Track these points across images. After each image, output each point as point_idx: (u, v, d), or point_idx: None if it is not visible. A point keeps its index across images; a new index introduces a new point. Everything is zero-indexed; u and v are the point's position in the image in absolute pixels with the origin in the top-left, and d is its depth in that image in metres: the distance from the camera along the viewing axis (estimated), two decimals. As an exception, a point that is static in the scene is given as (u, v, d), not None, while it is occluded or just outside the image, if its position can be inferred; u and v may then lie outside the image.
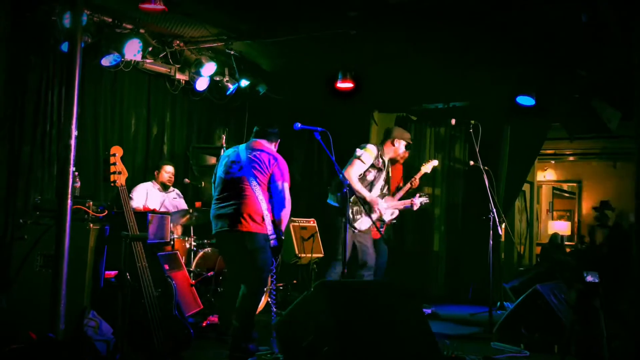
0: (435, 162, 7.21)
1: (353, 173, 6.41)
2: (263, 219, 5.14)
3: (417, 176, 7.12)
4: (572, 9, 5.75)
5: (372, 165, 6.46)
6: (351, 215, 6.37)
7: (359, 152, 6.46)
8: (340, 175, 5.71)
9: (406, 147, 6.84)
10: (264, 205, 5.14)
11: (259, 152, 5.30)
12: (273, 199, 5.22)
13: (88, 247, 4.90)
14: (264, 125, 5.53)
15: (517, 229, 12.09)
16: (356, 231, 6.43)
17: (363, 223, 6.46)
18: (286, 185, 5.26)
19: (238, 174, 5.23)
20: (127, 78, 7.52)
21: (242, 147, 5.43)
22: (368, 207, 6.44)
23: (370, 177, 6.47)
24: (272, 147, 5.47)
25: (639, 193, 4.49)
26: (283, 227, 5.28)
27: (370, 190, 6.51)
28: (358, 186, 6.39)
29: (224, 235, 5.25)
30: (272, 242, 5.15)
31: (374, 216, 6.47)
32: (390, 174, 6.79)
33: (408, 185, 7.15)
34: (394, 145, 6.66)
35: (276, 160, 5.28)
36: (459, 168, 9.98)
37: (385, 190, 6.70)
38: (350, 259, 6.32)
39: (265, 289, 6.94)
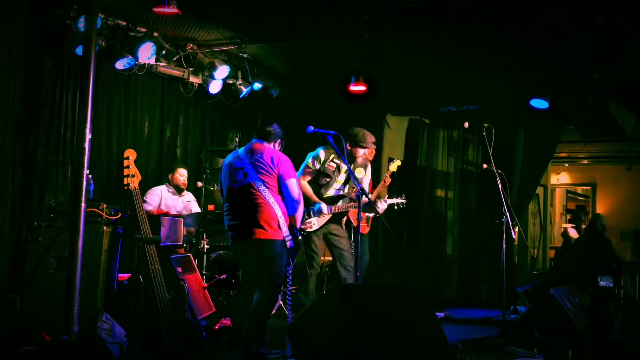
0: (398, 162, 7.12)
1: (303, 179, 6.26)
2: (279, 224, 5.13)
3: (387, 174, 7.14)
4: (585, 11, 5.73)
5: (321, 170, 6.33)
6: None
7: (307, 159, 6.33)
8: (354, 180, 5.69)
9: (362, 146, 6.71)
10: (276, 208, 5.12)
11: (260, 155, 5.24)
12: (285, 199, 5.21)
13: (101, 250, 4.94)
14: (263, 125, 5.48)
15: (530, 233, 12.05)
16: (304, 233, 6.34)
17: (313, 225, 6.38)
18: (295, 182, 5.22)
19: (245, 182, 5.18)
20: (140, 81, 7.55)
21: (242, 151, 5.36)
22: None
23: (322, 180, 6.36)
24: (272, 146, 5.40)
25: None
26: (298, 224, 5.25)
27: (324, 192, 6.40)
28: (307, 189, 6.22)
29: (241, 245, 5.23)
30: (288, 243, 5.15)
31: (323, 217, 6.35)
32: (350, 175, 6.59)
33: (381, 184, 7.16)
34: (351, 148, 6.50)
35: (280, 159, 5.21)
36: (472, 171, 9.95)
37: (346, 191, 6.55)
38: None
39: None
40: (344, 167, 6.30)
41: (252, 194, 5.13)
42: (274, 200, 5.13)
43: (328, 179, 6.27)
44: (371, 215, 7.45)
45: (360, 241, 6.98)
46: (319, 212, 6.15)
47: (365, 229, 7.45)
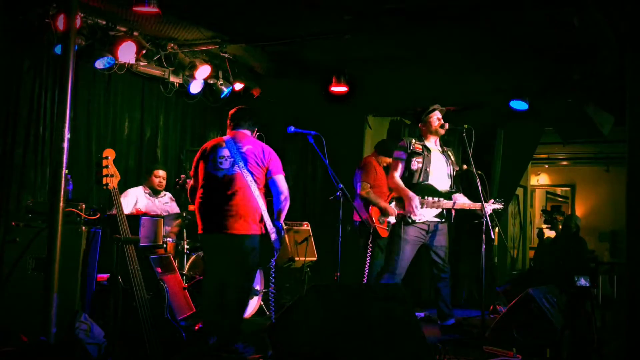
0: None
1: (396, 175, 6.43)
2: (261, 218, 5.13)
3: None
4: (565, 14, 5.77)
5: (411, 154, 6.44)
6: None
7: (394, 154, 6.55)
8: (334, 180, 5.70)
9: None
10: (260, 203, 5.11)
11: (250, 147, 5.22)
12: (273, 194, 5.19)
13: (80, 250, 4.91)
14: (242, 116, 5.45)
15: (510, 233, 12.12)
16: (416, 228, 6.42)
17: (421, 215, 6.41)
18: (283, 178, 5.23)
19: (232, 171, 5.15)
20: (120, 81, 7.51)
21: (230, 140, 5.30)
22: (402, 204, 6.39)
23: (414, 166, 6.45)
24: (254, 136, 5.45)
25: (630, 196, 4.51)
26: (282, 219, 5.24)
27: (426, 177, 6.44)
28: (402, 186, 6.38)
29: (216, 237, 5.21)
30: (272, 236, 5.14)
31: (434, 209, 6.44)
32: (452, 159, 6.71)
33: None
34: (425, 126, 6.62)
35: (271, 154, 5.24)
36: (452, 172, 9.99)
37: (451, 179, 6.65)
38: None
39: (259, 291, 6.97)
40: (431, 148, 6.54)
41: (237, 183, 5.11)
42: (259, 194, 5.11)
43: (424, 160, 6.47)
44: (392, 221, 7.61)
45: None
46: None
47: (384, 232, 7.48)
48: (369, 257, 7.33)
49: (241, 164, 5.13)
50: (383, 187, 7.40)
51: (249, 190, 5.09)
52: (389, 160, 7.92)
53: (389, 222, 7.53)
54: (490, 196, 6.85)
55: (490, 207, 6.62)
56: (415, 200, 6.28)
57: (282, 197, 5.17)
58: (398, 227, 6.44)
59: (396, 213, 6.95)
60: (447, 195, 6.48)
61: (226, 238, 5.13)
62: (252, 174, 5.12)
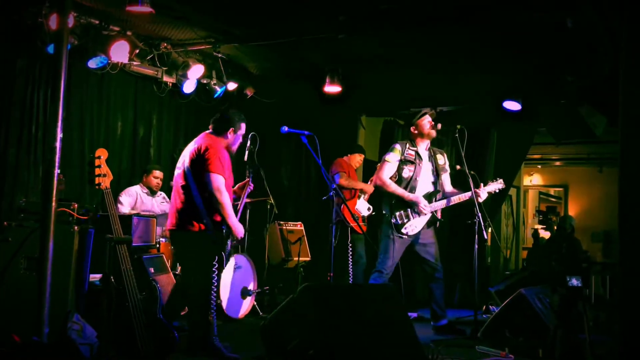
0: None
1: (383, 175, 6.49)
2: (200, 216, 5.07)
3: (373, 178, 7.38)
4: (559, 15, 5.79)
5: (404, 161, 6.51)
6: (398, 221, 6.40)
7: (386, 155, 6.61)
8: (328, 180, 5.70)
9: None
10: (198, 201, 5.06)
11: (195, 145, 5.19)
12: (207, 192, 5.06)
13: (72, 250, 4.88)
14: (215, 120, 5.36)
15: (503, 233, 12.14)
16: (405, 237, 6.47)
17: (412, 227, 6.48)
18: (216, 177, 5.02)
19: (179, 170, 5.23)
20: (113, 80, 7.49)
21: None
22: (412, 207, 6.44)
23: (405, 174, 6.50)
24: (226, 136, 5.28)
25: (623, 197, 4.52)
26: (228, 218, 5.08)
27: (414, 187, 6.50)
28: (393, 187, 6.45)
29: (172, 234, 5.31)
30: (211, 236, 5.11)
31: (422, 216, 6.48)
32: (438, 166, 6.71)
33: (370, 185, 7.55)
34: (417, 130, 6.65)
35: (209, 151, 5.07)
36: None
37: (438, 186, 6.67)
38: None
39: (253, 291, 6.96)
40: (423, 155, 6.61)
41: (182, 182, 5.16)
42: (197, 193, 5.07)
43: (416, 168, 6.57)
44: (366, 214, 7.75)
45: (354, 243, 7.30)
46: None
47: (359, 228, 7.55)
48: (351, 255, 7.61)
49: (187, 162, 5.15)
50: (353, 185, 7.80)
51: (188, 188, 5.10)
52: (360, 157, 8.07)
53: (363, 217, 7.65)
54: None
55: (485, 192, 6.62)
56: (421, 201, 6.42)
57: (214, 196, 5.01)
58: (386, 227, 6.47)
59: (372, 190, 7.36)
60: (430, 199, 6.56)
61: (171, 234, 5.32)
62: (192, 170, 5.09)
